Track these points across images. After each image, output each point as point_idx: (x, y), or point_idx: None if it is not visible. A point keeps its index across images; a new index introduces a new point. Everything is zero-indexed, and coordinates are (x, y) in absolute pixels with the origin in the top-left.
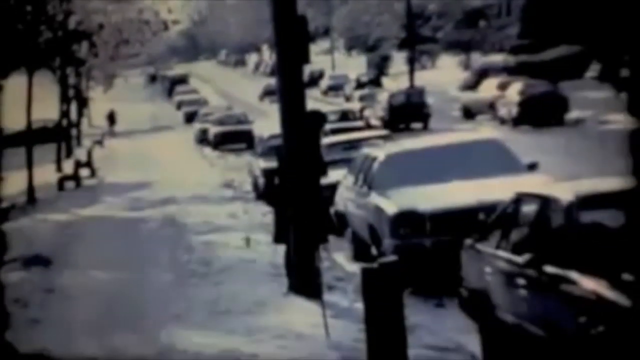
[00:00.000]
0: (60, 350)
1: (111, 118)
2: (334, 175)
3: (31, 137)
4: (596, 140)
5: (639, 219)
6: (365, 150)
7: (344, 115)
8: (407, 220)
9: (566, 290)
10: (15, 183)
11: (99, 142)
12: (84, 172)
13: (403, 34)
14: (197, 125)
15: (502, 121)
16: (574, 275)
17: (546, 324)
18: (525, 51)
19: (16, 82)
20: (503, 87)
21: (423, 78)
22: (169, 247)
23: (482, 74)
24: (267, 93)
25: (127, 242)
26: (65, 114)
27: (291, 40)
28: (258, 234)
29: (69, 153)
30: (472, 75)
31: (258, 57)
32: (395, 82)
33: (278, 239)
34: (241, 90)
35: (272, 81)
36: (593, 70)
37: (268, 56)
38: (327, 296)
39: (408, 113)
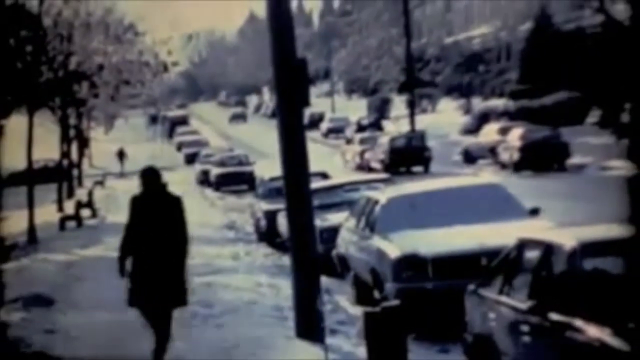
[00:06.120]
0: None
1: (121, 155)
2: (336, 217)
3: (32, 177)
4: (598, 187)
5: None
6: (367, 193)
7: None
8: (410, 264)
9: (570, 337)
10: (16, 223)
11: (100, 183)
12: (85, 212)
13: (403, 78)
14: (198, 167)
15: (503, 166)
16: (578, 322)
17: None
18: (525, 96)
19: (17, 122)
20: (504, 131)
21: (424, 121)
22: None
23: (483, 118)
24: (234, 117)
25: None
26: (66, 154)
27: (291, 82)
28: (260, 275)
29: (70, 193)
30: (472, 119)
31: (259, 98)
32: (396, 125)
33: (132, 300)
34: (242, 131)
35: (238, 109)
36: (593, 116)
37: (269, 98)
38: (330, 340)
39: (409, 156)
